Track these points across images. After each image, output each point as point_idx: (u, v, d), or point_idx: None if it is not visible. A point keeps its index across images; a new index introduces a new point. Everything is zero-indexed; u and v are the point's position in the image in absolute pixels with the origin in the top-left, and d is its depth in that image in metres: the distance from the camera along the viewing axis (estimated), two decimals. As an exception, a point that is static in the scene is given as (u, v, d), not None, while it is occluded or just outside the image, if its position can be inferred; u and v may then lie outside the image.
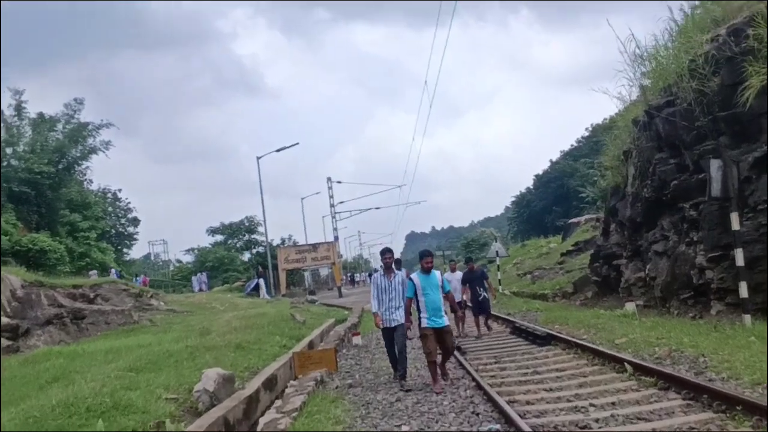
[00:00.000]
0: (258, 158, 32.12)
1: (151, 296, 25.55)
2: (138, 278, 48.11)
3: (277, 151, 32.65)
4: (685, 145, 13.70)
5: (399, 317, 8.61)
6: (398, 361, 8.64)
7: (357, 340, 12.78)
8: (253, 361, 11.16)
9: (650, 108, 14.62)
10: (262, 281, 32.73)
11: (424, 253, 8.68)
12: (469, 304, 13.55)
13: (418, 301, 8.33)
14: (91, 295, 22.69)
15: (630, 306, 12.78)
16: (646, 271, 14.74)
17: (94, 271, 39.95)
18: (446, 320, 8.25)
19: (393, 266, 8.91)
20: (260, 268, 36.87)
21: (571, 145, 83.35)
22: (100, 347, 14.88)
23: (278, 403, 7.12)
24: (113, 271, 44.78)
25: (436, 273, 8.51)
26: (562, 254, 29.38)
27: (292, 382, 8.18)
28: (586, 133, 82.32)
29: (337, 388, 8.31)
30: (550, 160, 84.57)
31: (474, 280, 13.33)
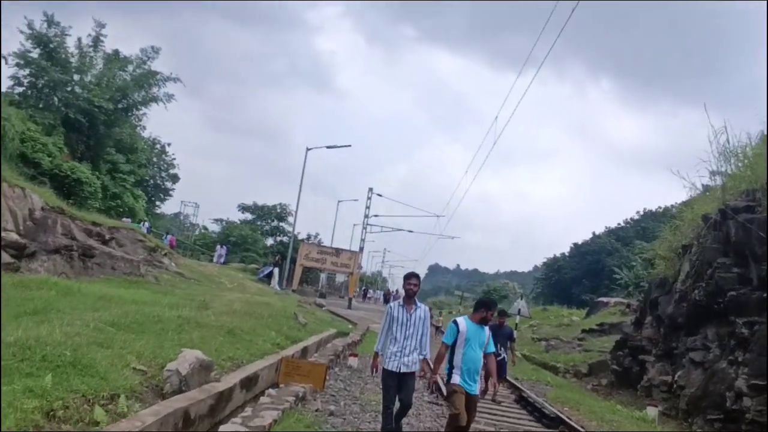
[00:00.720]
0: (308, 149, 31.60)
1: (165, 254, 25.03)
2: (167, 236, 47.90)
3: (328, 147, 32.05)
4: (755, 257, 12.54)
5: (412, 363, 6.72)
6: (395, 417, 6.73)
7: (353, 361, 11.80)
8: (240, 352, 10.34)
9: (727, 207, 13.47)
10: (276, 270, 31.99)
11: (493, 304, 6.70)
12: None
13: (452, 354, 6.50)
14: (107, 236, 22.24)
15: (652, 411, 11.58)
16: (675, 377, 13.51)
17: (128, 219, 40.09)
18: (478, 387, 6.55)
19: (416, 297, 7.04)
20: (278, 257, 36.18)
21: (618, 224, 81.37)
22: (95, 290, 14.29)
23: (248, 411, 6.24)
24: (146, 224, 44.81)
25: (487, 329, 6.68)
26: (584, 331, 27.99)
27: (270, 391, 7.30)
28: (636, 216, 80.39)
29: (317, 411, 7.38)
30: (593, 233, 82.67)
31: (500, 336, 11.49)
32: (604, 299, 38.52)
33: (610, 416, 11.06)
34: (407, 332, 6.77)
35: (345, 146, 31.96)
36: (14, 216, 17.75)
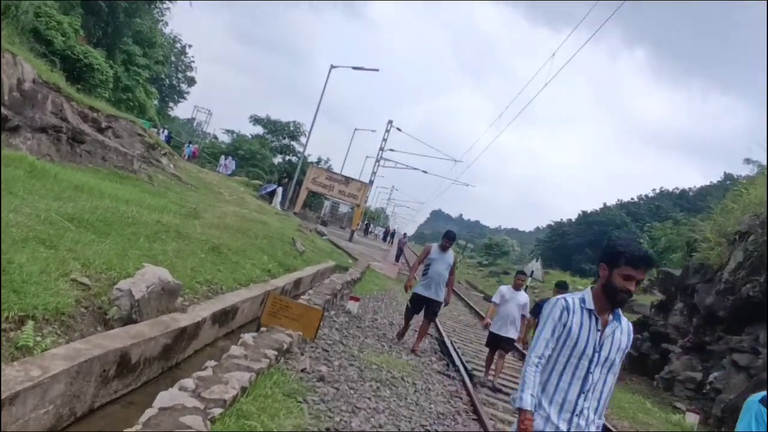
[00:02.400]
0: (332, 67, 29.02)
1: (164, 154, 23.07)
2: (189, 146, 45.94)
3: (354, 68, 29.47)
4: (834, 258, 10.56)
5: None
6: None
7: (353, 306, 9.95)
8: (221, 275, 8.52)
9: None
10: (280, 190, 30.04)
11: None
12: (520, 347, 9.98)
13: None
14: (103, 124, 20.24)
15: (692, 418, 9.85)
16: (711, 378, 11.76)
17: (155, 129, 38.97)
18: None
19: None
20: (285, 177, 34.14)
21: (631, 199, 79.15)
22: (74, 178, 12.39)
23: (208, 369, 4.40)
24: (165, 131, 43.38)
25: None
26: (592, 303, 26.23)
27: (247, 337, 5.46)
28: (651, 194, 78.15)
29: (302, 372, 5.57)
30: (604, 203, 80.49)
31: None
32: (613, 272, 36.73)
33: (643, 416, 9.33)
34: (593, 377, 2.92)
35: (372, 69, 29.40)
36: (-2, 82, 15.74)
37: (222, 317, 6.85)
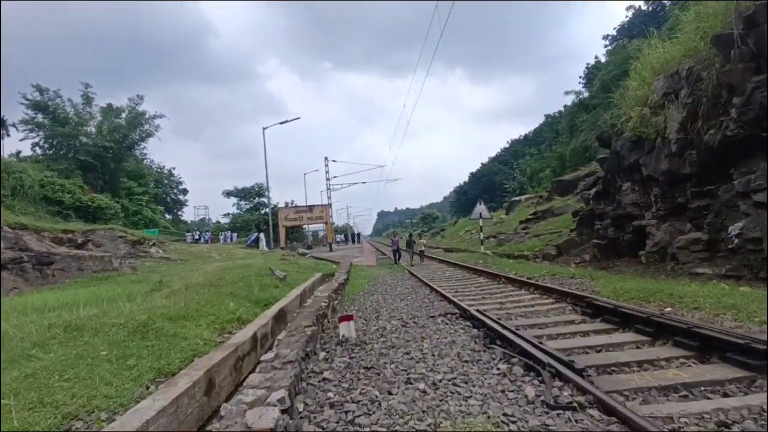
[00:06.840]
0: (264, 128, 23.88)
1: (153, 244, 17.20)
2: (207, 234, 41.49)
3: (281, 123, 24.46)
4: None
5: None
6: None
7: (346, 329, 4.34)
8: (117, 382, 3.21)
9: (749, 14, 6.89)
10: (262, 235, 24.64)
11: None
12: None
13: None
14: (80, 240, 14.33)
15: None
16: (734, 231, 7.11)
17: (189, 233, 34.59)
18: None
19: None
20: (261, 224, 28.59)
21: (497, 153, 76.32)
22: (17, 303, 6.86)
23: None
24: (196, 232, 39.84)
25: None
26: (522, 222, 21.81)
27: None
28: (507, 145, 75.54)
29: None
30: (482, 163, 77.29)
31: None
32: (517, 198, 32.65)
33: (730, 301, 4.49)
34: None
35: (295, 119, 24.43)
36: None
37: None
